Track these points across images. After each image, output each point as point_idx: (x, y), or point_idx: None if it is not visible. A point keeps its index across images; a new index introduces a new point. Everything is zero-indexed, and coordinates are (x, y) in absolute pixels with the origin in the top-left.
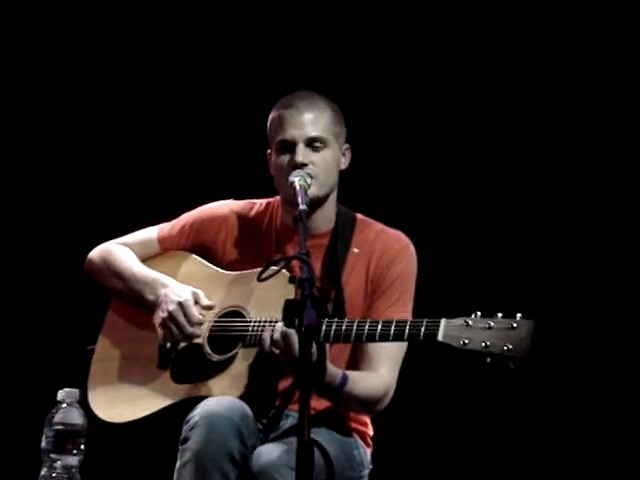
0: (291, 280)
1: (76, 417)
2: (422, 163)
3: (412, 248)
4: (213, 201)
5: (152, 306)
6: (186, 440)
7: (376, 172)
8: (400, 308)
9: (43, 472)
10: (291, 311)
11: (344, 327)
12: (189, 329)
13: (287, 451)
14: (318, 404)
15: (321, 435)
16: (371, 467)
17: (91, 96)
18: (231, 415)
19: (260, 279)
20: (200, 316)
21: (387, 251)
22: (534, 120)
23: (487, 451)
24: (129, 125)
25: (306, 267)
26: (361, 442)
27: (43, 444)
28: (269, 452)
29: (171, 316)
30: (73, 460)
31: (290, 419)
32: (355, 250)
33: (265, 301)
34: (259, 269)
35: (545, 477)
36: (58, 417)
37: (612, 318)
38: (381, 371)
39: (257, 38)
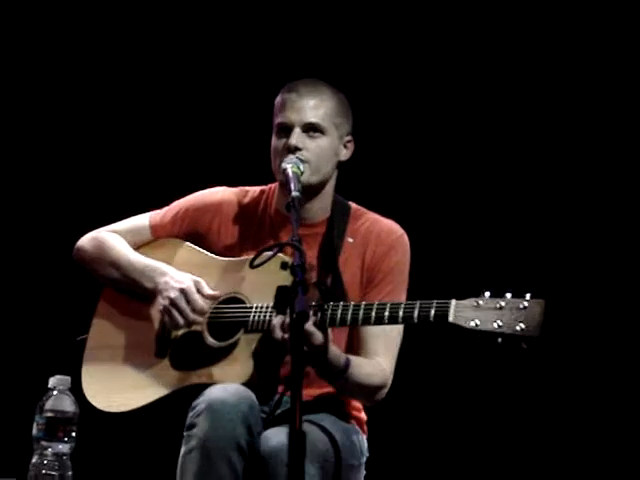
0: (283, 266)
1: (67, 404)
2: (418, 148)
3: (406, 238)
4: (205, 188)
5: (150, 294)
6: (192, 426)
7: (373, 160)
8: (394, 299)
9: (34, 460)
10: (283, 297)
11: (350, 310)
12: (191, 316)
13: None
14: (317, 390)
15: (325, 420)
16: (368, 455)
17: (76, 86)
18: (238, 403)
19: (252, 266)
20: (203, 303)
21: (382, 242)
22: (528, 102)
23: (484, 438)
24: (119, 113)
25: (298, 253)
26: (358, 428)
27: (34, 431)
28: (278, 435)
29: (173, 302)
30: (64, 448)
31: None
32: (350, 240)
33: (266, 287)
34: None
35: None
36: (49, 404)
37: (618, 299)
38: (379, 359)
39: (254, 29)
